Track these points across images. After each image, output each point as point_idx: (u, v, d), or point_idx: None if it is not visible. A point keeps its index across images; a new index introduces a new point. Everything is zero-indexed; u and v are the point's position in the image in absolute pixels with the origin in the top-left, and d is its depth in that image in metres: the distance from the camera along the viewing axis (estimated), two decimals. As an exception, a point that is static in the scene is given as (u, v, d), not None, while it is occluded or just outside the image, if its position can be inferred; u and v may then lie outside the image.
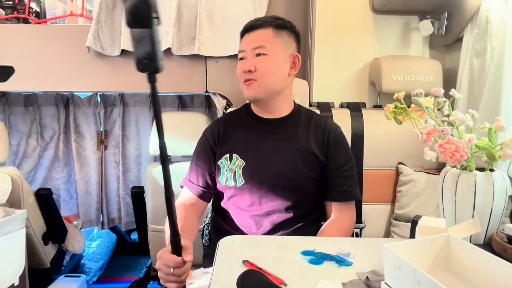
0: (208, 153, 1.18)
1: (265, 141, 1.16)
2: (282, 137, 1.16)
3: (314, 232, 1.16)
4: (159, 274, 0.84)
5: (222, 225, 1.19)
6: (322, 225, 1.19)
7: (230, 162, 1.15)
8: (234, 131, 1.19)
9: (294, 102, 1.24)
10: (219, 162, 1.16)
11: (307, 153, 1.14)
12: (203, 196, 1.18)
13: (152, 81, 0.66)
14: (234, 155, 1.14)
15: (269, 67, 1.11)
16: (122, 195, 2.45)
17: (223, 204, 1.19)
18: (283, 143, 1.15)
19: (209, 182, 1.18)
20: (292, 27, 1.16)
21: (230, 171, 1.14)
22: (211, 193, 1.20)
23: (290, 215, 1.13)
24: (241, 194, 1.14)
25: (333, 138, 1.18)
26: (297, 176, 1.12)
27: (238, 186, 1.13)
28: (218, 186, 1.18)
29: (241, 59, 1.15)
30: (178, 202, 1.17)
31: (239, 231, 1.15)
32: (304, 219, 1.16)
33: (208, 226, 1.32)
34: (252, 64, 1.10)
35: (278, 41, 1.12)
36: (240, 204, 1.15)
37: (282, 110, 1.19)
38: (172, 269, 0.80)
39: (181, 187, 1.21)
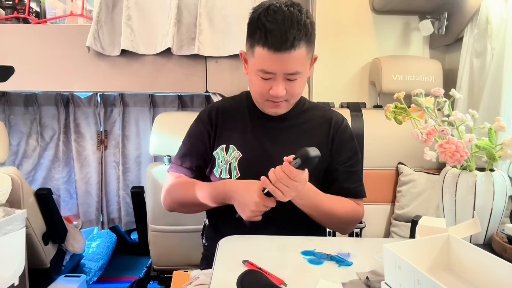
0: (205, 141, 1.10)
1: (265, 132, 1.08)
2: (283, 128, 1.08)
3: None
4: (251, 208, 0.93)
5: (216, 226, 1.13)
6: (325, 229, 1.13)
7: (226, 153, 1.07)
8: (232, 120, 1.11)
9: None
10: (214, 153, 1.08)
11: (310, 146, 0.94)
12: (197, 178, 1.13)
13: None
14: (231, 146, 1.07)
15: (301, 87, 1.02)
16: (122, 195, 2.44)
17: None
18: (285, 134, 1.08)
19: (203, 168, 1.12)
20: (314, 28, 0.99)
21: (226, 163, 1.06)
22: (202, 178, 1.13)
23: (289, 215, 1.04)
24: None
25: (339, 131, 1.10)
26: None
27: (233, 179, 1.05)
28: (213, 179, 1.10)
29: (264, 78, 0.97)
30: (171, 183, 1.12)
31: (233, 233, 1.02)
32: (306, 221, 1.06)
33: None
34: (284, 89, 0.98)
35: (309, 56, 0.99)
36: None
37: None
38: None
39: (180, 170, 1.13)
